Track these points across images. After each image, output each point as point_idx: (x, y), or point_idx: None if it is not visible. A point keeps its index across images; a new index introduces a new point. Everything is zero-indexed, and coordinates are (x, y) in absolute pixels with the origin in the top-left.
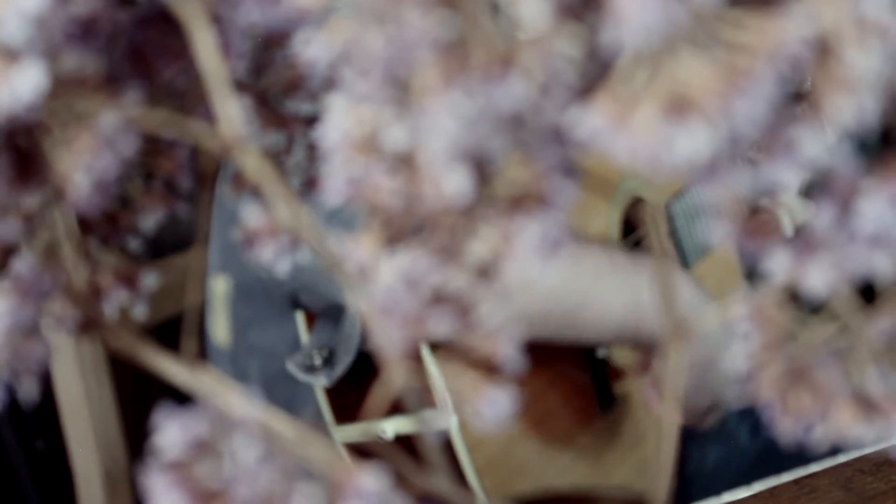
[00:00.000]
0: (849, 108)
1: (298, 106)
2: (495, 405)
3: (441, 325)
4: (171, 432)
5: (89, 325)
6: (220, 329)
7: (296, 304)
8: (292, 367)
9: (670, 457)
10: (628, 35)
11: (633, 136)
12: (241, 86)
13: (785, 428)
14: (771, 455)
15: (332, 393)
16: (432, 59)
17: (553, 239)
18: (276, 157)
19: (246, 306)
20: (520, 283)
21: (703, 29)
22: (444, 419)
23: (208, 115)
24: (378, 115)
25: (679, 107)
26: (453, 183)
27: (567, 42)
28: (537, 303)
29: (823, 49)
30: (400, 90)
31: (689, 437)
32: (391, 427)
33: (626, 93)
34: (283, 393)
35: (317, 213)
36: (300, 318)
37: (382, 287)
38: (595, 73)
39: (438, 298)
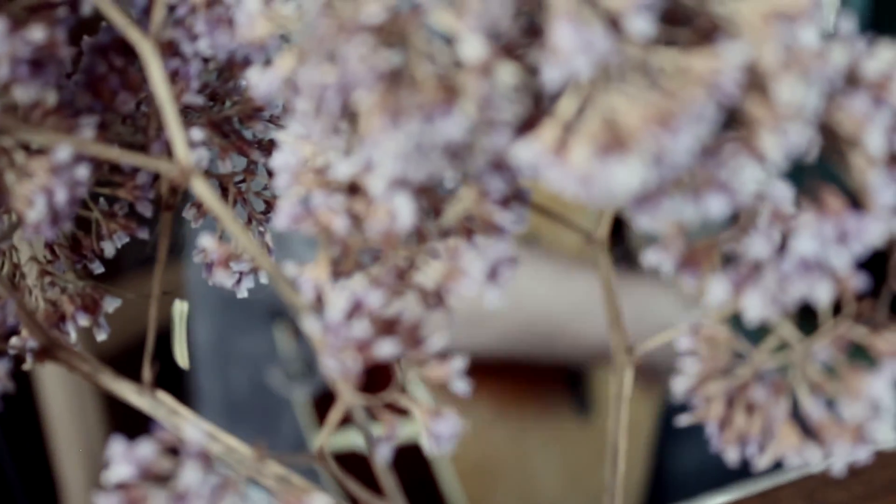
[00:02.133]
0: (781, 139)
1: (262, 131)
2: (444, 428)
3: (389, 351)
4: (121, 459)
5: (50, 350)
6: (180, 351)
7: (277, 313)
8: (273, 377)
9: (621, 475)
10: (563, 69)
11: (570, 168)
12: (200, 112)
13: (727, 449)
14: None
15: (313, 403)
16: (375, 91)
17: (501, 265)
18: (239, 182)
19: (228, 315)
20: (510, 298)
21: (638, 62)
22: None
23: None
24: (325, 146)
25: (612, 141)
26: (399, 210)
27: (506, 76)
28: (520, 321)
29: (756, 81)
30: (345, 121)
31: (670, 438)
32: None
33: (562, 126)
34: (267, 402)
35: (283, 236)
36: (280, 327)
37: (333, 312)
38: (536, 106)
39: (388, 324)
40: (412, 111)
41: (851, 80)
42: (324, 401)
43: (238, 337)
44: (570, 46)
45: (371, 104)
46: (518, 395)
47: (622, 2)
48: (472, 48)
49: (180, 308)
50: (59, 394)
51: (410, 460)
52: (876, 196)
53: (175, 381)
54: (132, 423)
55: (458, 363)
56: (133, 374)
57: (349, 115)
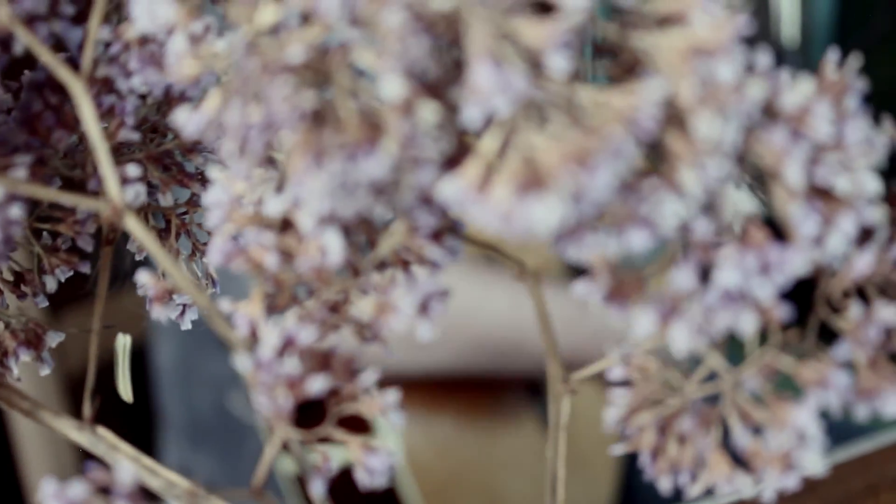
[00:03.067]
0: (700, 173)
1: (203, 164)
2: (377, 462)
3: (319, 387)
4: (52, 500)
5: None
6: (123, 384)
7: None
8: (236, 400)
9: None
10: (482, 108)
11: (491, 205)
12: (140, 146)
13: (659, 477)
14: None
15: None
16: (298, 131)
17: (432, 299)
18: (182, 214)
19: (192, 338)
20: (465, 315)
21: (559, 99)
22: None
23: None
24: (254, 183)
25: (531, 179)
26: (328, 247)
27: (428, 114)
28: (478, 336)
29: (675, 116)
30: (272, 160)
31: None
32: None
33: (485, 163)
34: (231, 424)
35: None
36: None
37: (263, 350)
38: (462, 142)
39: (322, 358)
40: (335, 151)
41: (771, 113)
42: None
43: (202, 359)
44: (488, 86)
45: (294, 144)
46: (482, 409)
47: (541, 40)
48: (392, 88)
49: (123, 341)
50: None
51: None
52: (798, 228)
53: (142, 403)
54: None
55: (392, 396)
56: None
57: (275, 154)
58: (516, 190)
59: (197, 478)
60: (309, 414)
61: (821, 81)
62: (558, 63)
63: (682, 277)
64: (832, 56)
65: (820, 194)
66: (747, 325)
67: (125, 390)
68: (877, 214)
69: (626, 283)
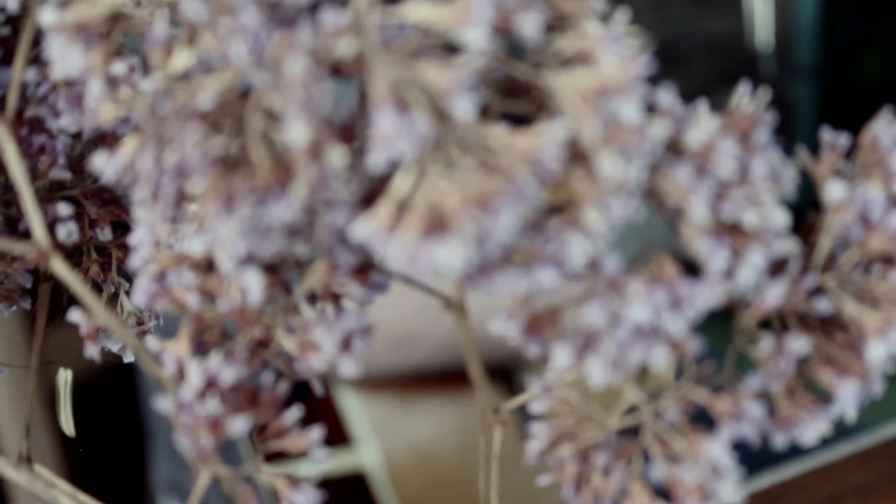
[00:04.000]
0: (604, 213)
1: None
2: (303, 499)
3: (241, 428)
4: None
5: None
6: (65, 419)
7: None
8: None
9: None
10: (386, 153)
11: (400, 245)
12: (76, 183)
13: None
14: None
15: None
16: (208, 177)
17: (354, 336)
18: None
19: None
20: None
21: (465, 142)
22: (364, 457)
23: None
24: (173, 225)
25: (435, 223)
26: (248, 287)
27: (336, 159)
28: (452, 333)
29: (579, 156)
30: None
31: None
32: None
33: (395, 205)
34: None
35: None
36: None
37: (185, 391)
38: (377, 182)
39: (250, 396)
40: (245, 196)
41: (676, 149)
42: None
43: None
44: (390, 131)
45: (205, 189)
46: (461, 411)
47: (445, 83)
48: (297, 133)
49: (64, 376)
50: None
51: (354, 490)
52: (706, 263)
53: (131, 419)
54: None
55: (317, 433)
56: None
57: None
58: (420, 234)
59: (185, 493)
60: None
61: (729, 116)
62: (462, 106)
63: (593, 314)
64: (743, 89)
65: (729, 229)
66: (659, 360)
67: (67, 425)
68: (788, 246)
69: (542, 318)
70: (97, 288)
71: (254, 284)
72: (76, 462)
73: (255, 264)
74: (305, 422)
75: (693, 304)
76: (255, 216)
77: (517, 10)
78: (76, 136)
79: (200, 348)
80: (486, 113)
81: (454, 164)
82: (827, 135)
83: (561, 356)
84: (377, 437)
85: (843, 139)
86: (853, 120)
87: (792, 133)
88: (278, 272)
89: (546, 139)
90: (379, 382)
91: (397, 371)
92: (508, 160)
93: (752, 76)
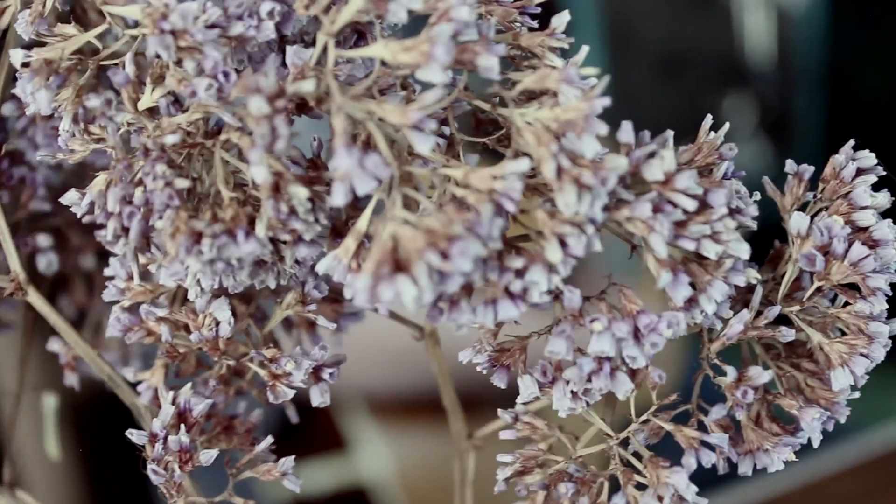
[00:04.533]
0: (561, 246)
1: None
2: None
3: (209, 459)
4: None
5: None
6: (51, 444)
7: None
8: None
9: None
10: (345, 191)
11: (359, 283)
12: (54, 215)
13: None
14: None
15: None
16: (173, 215)
17: (324, 366)
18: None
19: None
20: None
21: (427, 179)
22: (378, 465)
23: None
24: (146, 259)
25: (395, 262)
26: (218, 317)
27: (298, 197)
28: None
29: (538, 190)
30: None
31: None
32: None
33: (359, 241)
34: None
35: None
36: None
37: (155, 424)
38: (343, 219)
39: (227, 424)
40: (209, 234)
41: (637, 181)
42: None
43: None
44: (348, 169)
45: (170, 228)
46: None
47: (404, 120)
48: (258, 172)
49: (51, 402)
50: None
51: (357, 501)
52: (669, 294)
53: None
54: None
55: (288, 463)
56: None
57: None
58: (379, 273)
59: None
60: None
61: (690, 150)
62: (421, 143)
63: (556, 346)
64: (707, 123)
65: (693, 260)
66: (621, 390)
67: (52, 449)
68: (750, 277)
69: (509, 350)
70: (83, 315)
71: (224, 317)
72: (93, 475)
73: (224, 297)
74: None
75: (655, 335)
76: (221, 252)
77: (477, 48)
78: (58, 166)
79: (178, 377)
80: (451, 146)
81: (418, 201)
82: (791, 165)
83: (525, 388)
84: (386, 446)
85: (807, 170)
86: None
87: (792, 145)
88: (253, 301)
89: (507, 176)
90: (380, 405)
91: (394, 391)
92: (472, 196)
93: (750, 89)
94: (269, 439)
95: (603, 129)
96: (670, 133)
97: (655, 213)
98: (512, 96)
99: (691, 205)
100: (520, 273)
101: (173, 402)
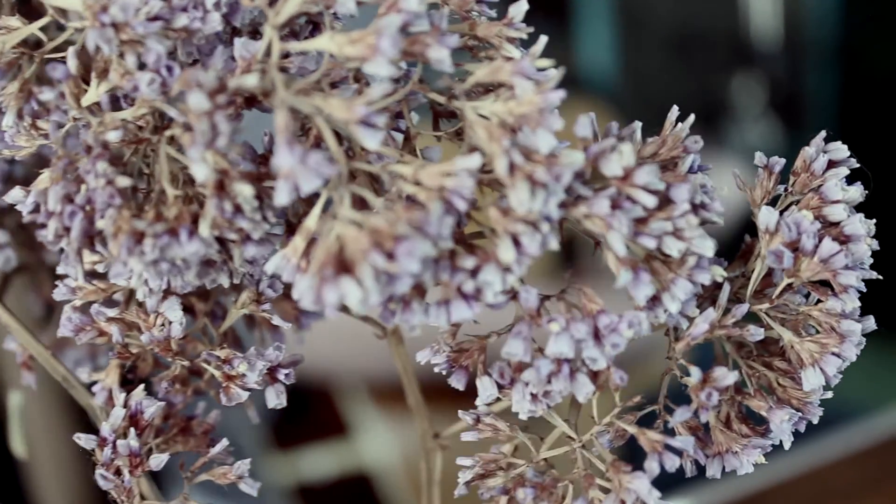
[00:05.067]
0: (515, 245)
1: None
2: None
3: (158, 464)
4: None
5: None
6: (17, 441)
7: None
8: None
9: None
10: (289, 189)
11: (306, 283)
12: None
13: None
14: None
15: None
16: (115, 215)
17: (279, 367)
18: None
19: None
20: None
21: (375, 176)
22: (370, 458)
23: None
24: (96, 258)
25: (340, 263)
26: (170, 317)
27: (244, 195)
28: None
29: (491, 187)
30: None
31: None
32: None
33: (306, 241)
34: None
35: None
36: None
37: (104, 428)
38: (294, 221)
39: (185, 425)
40: (151, 234)
41: (596, 177)
42: (278, 425)
43: None
44: (289, 167)
45: (111, 228)
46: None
47: (348, 115)
48: (200, 171)
49: (16, 400)
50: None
51: (360, 487)
52: (630, 293)
53: None
54: None
55: (244, 466)
56: None
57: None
58: (323, 275)
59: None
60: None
61: (654, 143)
62: (368, 139)
63: (513, 347)
64: (673, 114)
65: (656, 258)
66: (581, 392)
67: (18, 446)
68: (716, 275)
69: (468, 351)
70: (52, 311)
71: (175, 317)
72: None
73: (177, 296)
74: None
75: (615, 336)
76: (164, 252)
77: (428, 40)
78: (13, 160)
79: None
80: (409, 140)
81: (367, 199)
82: (760, 157)
83: (484, 389)
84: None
85: (777, 162)
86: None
87: (804, 123)
88: (211, 298)
89: (458, 173)
90: (382, 391)
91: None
92: (422, 194)
93: (760, 67)
94: (225, 442)
95: (558, 123)
96: (638, 125)
97: (614, 210)
98: (464, 89)
99: (651, 201)
100: (473, 273)
101: (125, 405)
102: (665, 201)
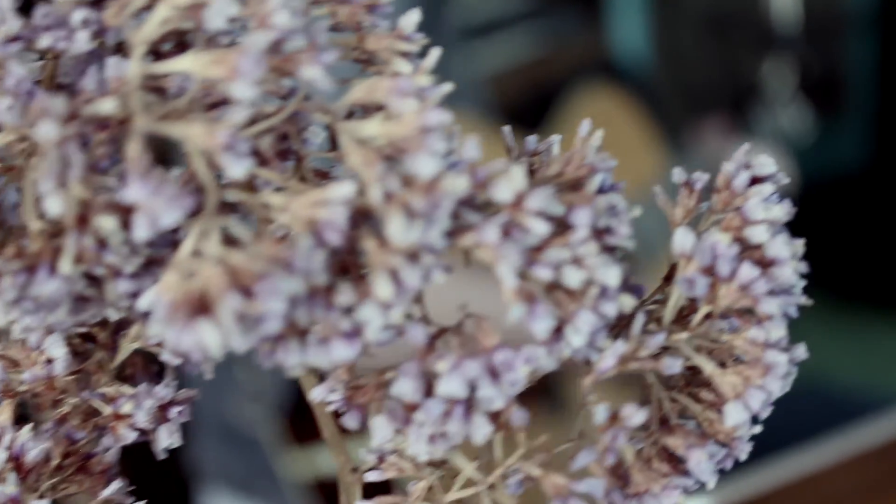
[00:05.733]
0: (393, 278)
1: None
2: None
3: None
4: None
5: None
6: None
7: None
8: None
9: None
10: (149, 224)
11: (161, 325)
12: None
13: None
14: None
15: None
16: None
17: (168, 407)
18: None
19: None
20: None
21: (247, 207)
22: None
23: None
24: None
25: (197, 304)
26: (53, 354)
27: (106, 229)
28: None
29: (366, 217)
30: None
31: None
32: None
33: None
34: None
35: None
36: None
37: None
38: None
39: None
40: (8, 271)
41: (484, 204)
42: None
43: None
44: (142, 201)
45: None
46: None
47: (208, 141)
48: (51, 205)
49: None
50: None
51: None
52: (527, 327)
53: None
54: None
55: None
56: None
57: None
58: (182, 315)
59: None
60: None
61: (559, 161)
62: (232, 167)
63: (402, 387)
64: (584, 127)
65: (556, 288)
66: (478, 434)
67: None
68: (625, 305)
69: (363, 389)
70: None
71: (59, 353)
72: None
73: (60, 333)
74: None
75: (513, 373)
76: (24, 291)
77: (301, 56)
78: None
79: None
80: (300, 163)
81: (235, 233)
82: (679, 173)
83: (379, 431)
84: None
85: (700, 178)
86: None
87: (840, 107)
88: (108, 330)
89: (331, 203)
90: None
91: None
92: (291, 226)
93: (793, 48)
94: (119, 483)
95: (440, 145)
96: (556, 139)
97: (505, 239)
98: (339, 109)
99: (543, 228)
100: (350, 310)
101: (9, 447)
102: (564, 227)
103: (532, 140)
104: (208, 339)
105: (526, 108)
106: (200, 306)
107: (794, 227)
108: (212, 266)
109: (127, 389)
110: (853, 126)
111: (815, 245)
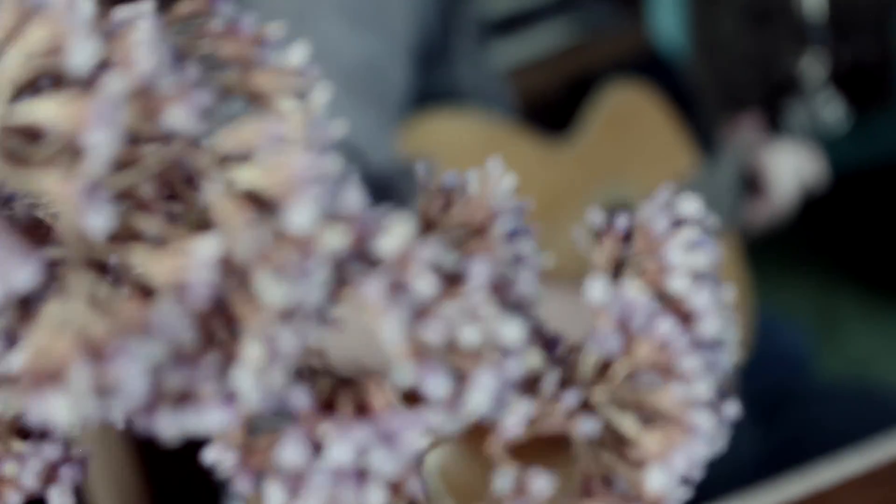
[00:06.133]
0: (266, 341)
1: None
2: None
3: None
4: None
5: None
6: None
7: None
8: None
9: None
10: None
11: (23, 388)
12: None
13: None
14: (774, 459)
15: None
16: None
17: (61, 468)
18: None
19: None
20: None
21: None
22: None
23: None
24: None
25: (45, 372)
26: None
27: None
28: None
29: (238, 277)
30: None
31: None
32: None
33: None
34: None
35: None
36: None
37: None
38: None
39: None
40: None
41: (369, 260)
42: None
43: None
44: None
45: None
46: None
47: (62, 191)
48: None
49: None
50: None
51: None
52: (425, 390)
53: None
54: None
55: None
56: None
57: None
58: (28, 383)
59: None
60: None
61: (462, 204)
62: (91, 219)
63: (287, 455)
64: (494, 166)
65: (452, 348)
66: (377, 500)
67: None
68: (532, 363)
69: (257, 452)
70: None
71: None
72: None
73: None
74: None
75: (407, 438)
76: None
77: (169, 98)
78: None
79: None
80: (189, 212)
81: (92, 293)
82: (596, 216)
83: (272, 496)
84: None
85: (621, 222)
86: None
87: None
88: None
89: (195, 259)
90: None
91: None
92: (155, 284)
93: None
94: None
95: (323, 199)
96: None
97: (390, 297)
98: (207, 154)
99: (429, 287)
100: (219, 375)
101: None
102: (458, 279)
103: (451, 176)
104: (58, 410)
105: (559, 100)
106: (52, 375)
107: (846, 217)
108: (63, 331)
109: (19, 446)
110: (892, 117)
111: (856, 238)
